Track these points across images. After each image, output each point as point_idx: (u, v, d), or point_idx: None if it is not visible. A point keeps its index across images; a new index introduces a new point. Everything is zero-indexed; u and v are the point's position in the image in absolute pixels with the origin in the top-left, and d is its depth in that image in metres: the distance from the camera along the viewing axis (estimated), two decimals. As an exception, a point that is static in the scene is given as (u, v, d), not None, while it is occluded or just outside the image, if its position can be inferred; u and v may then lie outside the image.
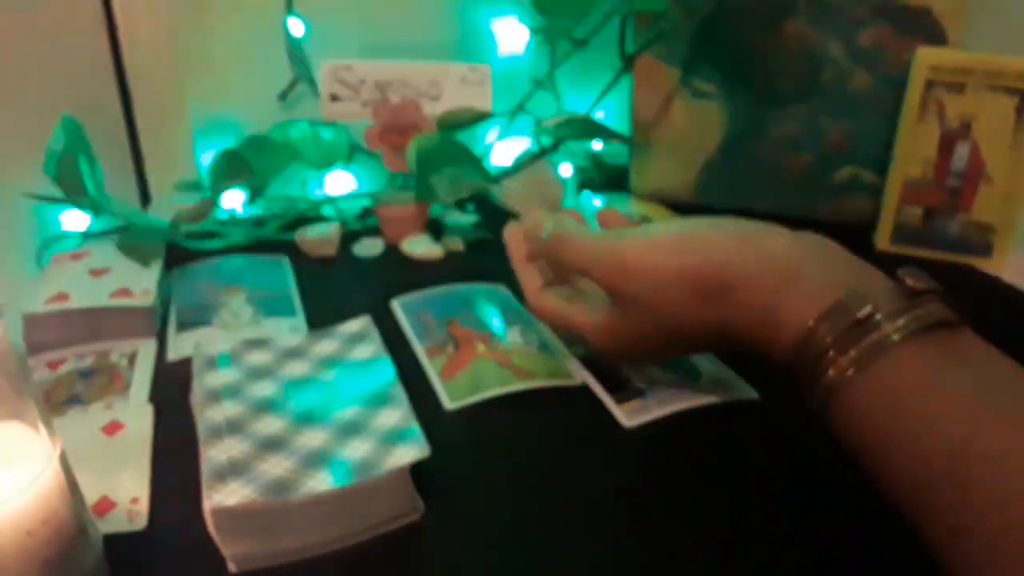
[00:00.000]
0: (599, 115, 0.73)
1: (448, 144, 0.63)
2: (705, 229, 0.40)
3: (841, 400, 0.33)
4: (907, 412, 0.31)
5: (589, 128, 0.69)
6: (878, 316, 0.32)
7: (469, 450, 0.42)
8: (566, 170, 0.75)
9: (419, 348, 0.50)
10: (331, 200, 0.69)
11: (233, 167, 0.61)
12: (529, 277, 0.48)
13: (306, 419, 0.39)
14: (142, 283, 0.53)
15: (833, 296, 0.34)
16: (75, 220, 0.63)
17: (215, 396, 0.41)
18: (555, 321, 0.46)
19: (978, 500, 0.28)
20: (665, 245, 0.40)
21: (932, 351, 0.32)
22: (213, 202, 0.62)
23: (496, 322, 0.52)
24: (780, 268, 0.36)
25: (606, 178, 0.77)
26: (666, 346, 0.42)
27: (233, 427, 0.38)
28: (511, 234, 0.50)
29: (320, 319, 0.52)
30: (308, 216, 0.66)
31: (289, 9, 0.68)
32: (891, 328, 0.32)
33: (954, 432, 0.29)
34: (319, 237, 0.63)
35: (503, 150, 0.73)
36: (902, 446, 0.31)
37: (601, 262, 0.41)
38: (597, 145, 0.79)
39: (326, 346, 0.46)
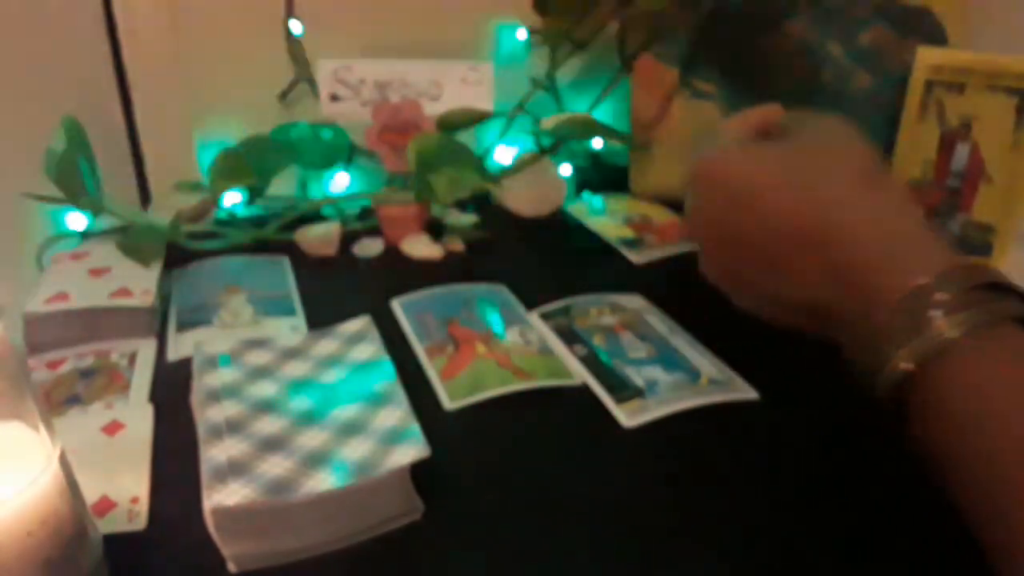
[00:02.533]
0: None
1: (448, 144, 0.63)
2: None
3: (939, 367, 0.31)
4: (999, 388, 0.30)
5: (589, 127, 0.69)
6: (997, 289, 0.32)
7: (469, 450, 0.41)
8: (566, 170, 0.75)
9: (419, 348, 0.50)
10: (331, 200, 0.69)
11: (233, 167, 0.61)
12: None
13: (306, 419, 0.39)
14: (142, 283, 0.53)
15: (959, 259, 0.33)
16: (75, 220, 0.63)
17: (215, 396, 0.41)
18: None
19: None
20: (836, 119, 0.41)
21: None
22: (213, 202, 0.62)
23: (496, 322, 0.52)
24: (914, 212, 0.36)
25: (606, 178, 0.77)
26: (759, 248, 0.38)
27: (233, 427, 0.38)
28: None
29: (320, 319, 0.52)
30: (308, 216, 0.66)
31: (289, 10, 0.68)
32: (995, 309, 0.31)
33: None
34: (319, 237, 0.63)
35: (503, 150, 0.73)
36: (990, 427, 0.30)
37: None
38: (597, 143, 0.79)
39: (326, 346, 0.46)
